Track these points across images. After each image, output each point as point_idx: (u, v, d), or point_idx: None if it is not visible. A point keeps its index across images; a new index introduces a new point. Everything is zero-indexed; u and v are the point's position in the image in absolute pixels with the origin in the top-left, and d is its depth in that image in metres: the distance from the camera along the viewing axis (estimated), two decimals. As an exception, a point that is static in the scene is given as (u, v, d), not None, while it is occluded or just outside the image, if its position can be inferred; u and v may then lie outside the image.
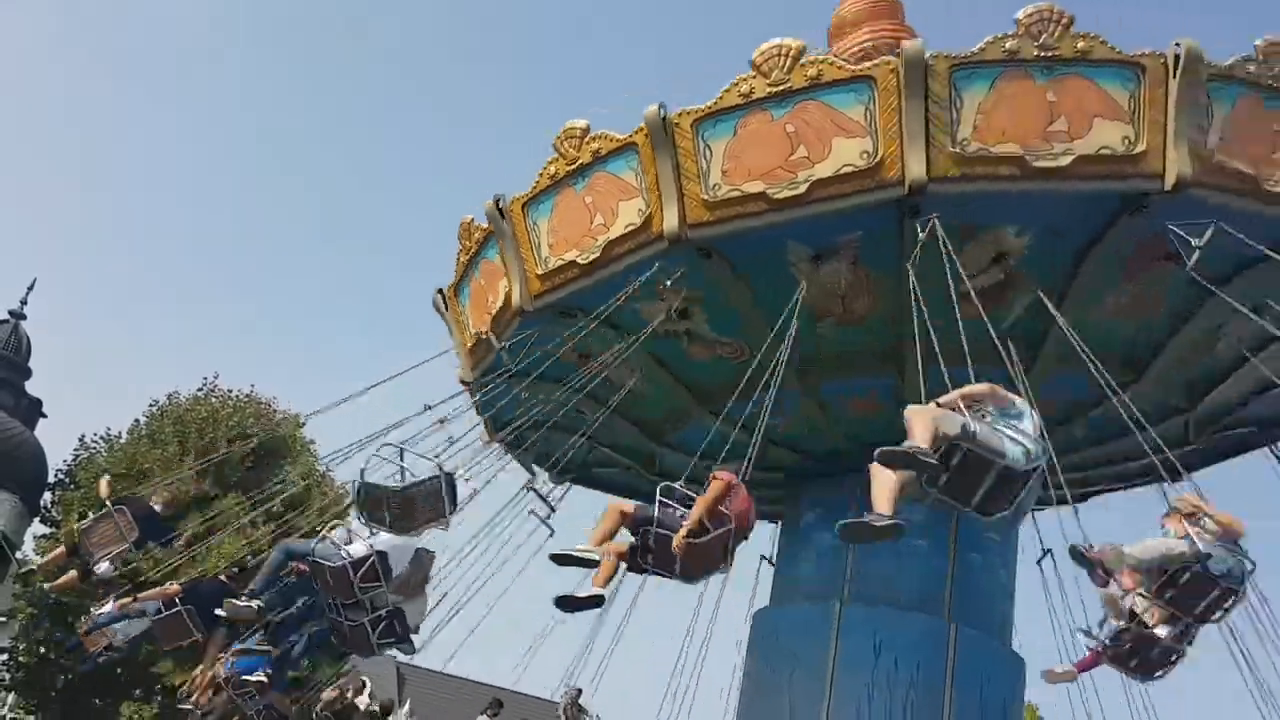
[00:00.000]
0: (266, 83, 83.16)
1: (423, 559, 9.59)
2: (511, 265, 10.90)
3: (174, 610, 10.56)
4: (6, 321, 32.72)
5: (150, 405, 28.95)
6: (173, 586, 10.78)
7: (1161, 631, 7.78)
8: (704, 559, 7.85)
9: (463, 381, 12.68)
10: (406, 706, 46.49)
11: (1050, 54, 8.71)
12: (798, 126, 9.04)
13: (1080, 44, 8.73)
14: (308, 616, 10.47)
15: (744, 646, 12.43)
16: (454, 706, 45.97)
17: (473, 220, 11.66)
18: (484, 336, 11.80)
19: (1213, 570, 7.44)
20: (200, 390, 29.32)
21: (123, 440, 28.66)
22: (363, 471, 8.75)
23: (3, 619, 28.54)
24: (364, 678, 14.73)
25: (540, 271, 10.59)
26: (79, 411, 66.97)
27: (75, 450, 29.15)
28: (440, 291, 12.84)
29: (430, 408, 11.21)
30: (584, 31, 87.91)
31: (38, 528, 29.40)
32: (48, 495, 29.56)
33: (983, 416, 6.87)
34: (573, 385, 11.08)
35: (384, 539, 8.98)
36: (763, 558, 14.65)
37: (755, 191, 9.12)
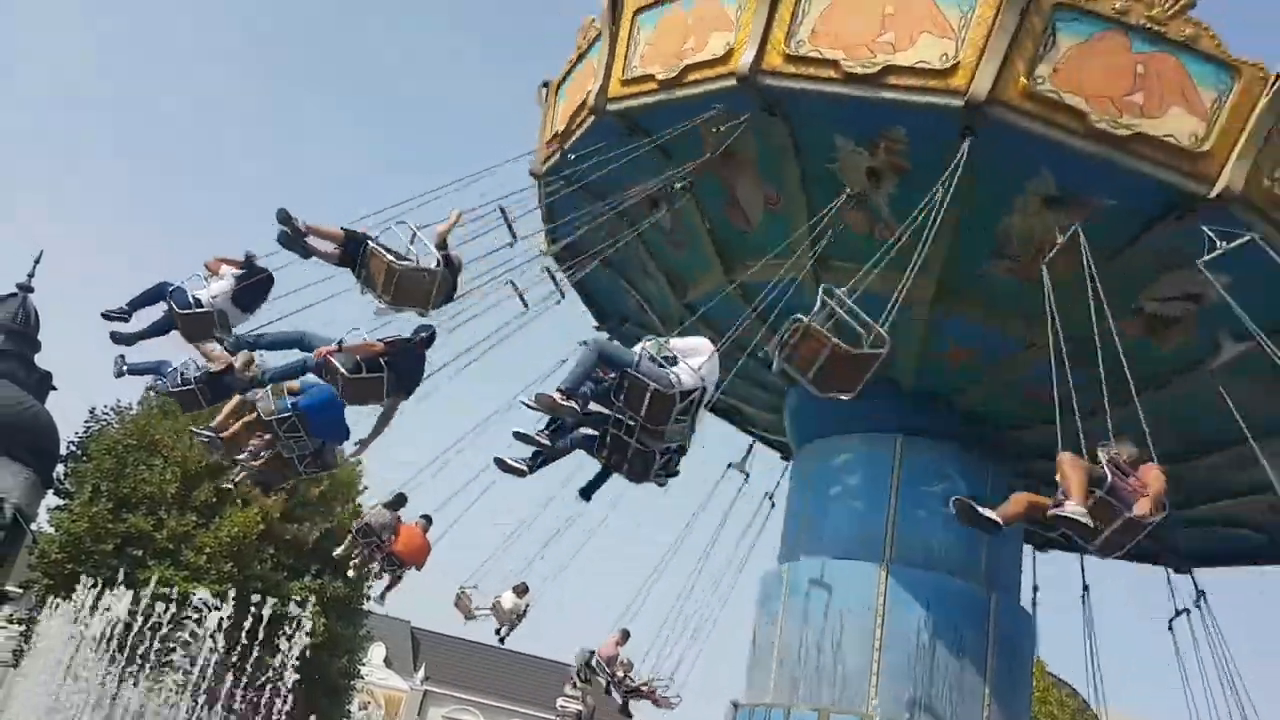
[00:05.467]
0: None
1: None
2: (601, 67, 11.32)
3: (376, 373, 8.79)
4: (15, 295, 32.74)
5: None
6: (377, 345, 8.88)
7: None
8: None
9: (533, 174, 13.24)
10: (421, 670, 48.11)
11: (1157, 27, 8.69)
12: (896, 9, 9.20)
13: (1189, 29, 8.69)
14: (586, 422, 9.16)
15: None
16: (467, 669, 47.41)
17: (593, 20, 12.10)
18: (559, 132, 12.31)
19: None
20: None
21: (134, 411, 29.26)
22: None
23: (19, 591, 29.86)
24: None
25: (623, 78, 11.00)
26: (89, 384, 68.76)
27: (86, 422, 30.05)
28: (545, 84, 13.35)
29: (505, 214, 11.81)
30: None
31: (51, 499, 30.19)
32: (60, 467, 30.33)
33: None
34: (618, 206, 11.65)
35: (707, 372, 8.26)
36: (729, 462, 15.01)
37: (832, 58, 9.34)
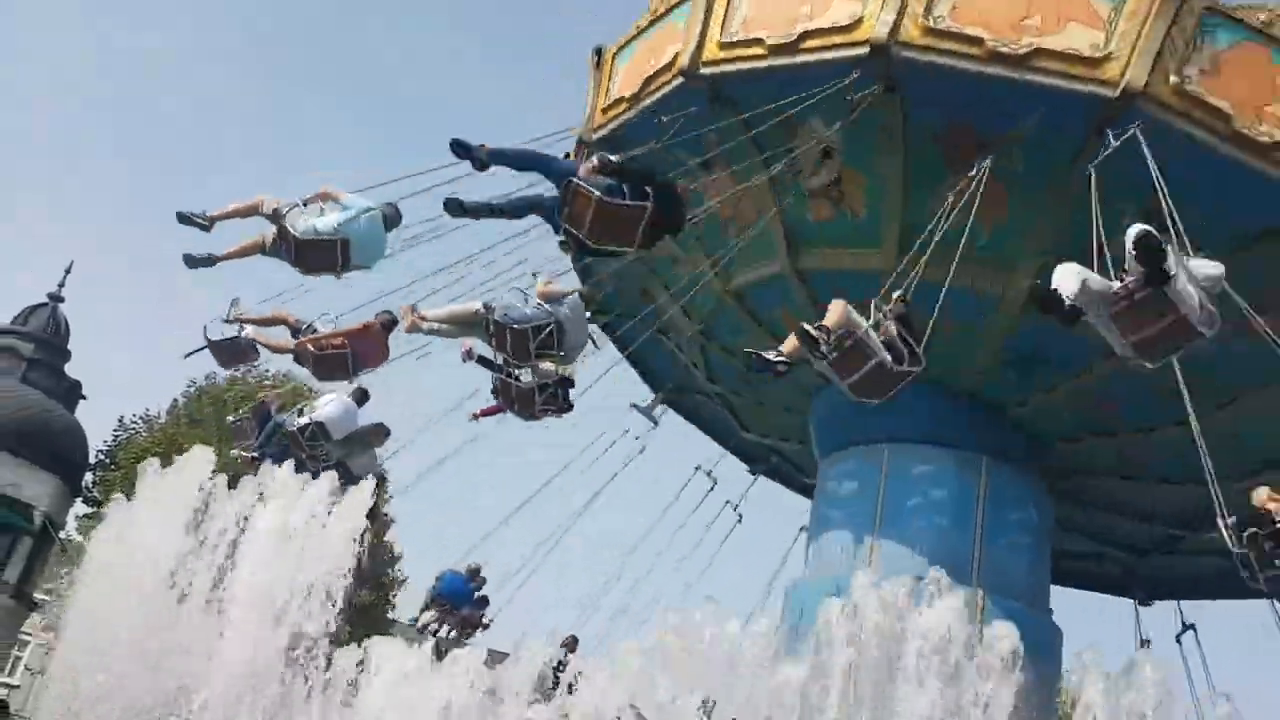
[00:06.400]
0: None
1: (367, 430, 11.97)
2: (694, 30, 10.84)
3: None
4: (45, 305, 32.69)
5: (188, 386, 29.53)
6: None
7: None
8: (334, 368, 10.80)
9: (580, 140, 12.63)
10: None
11: (1300, 41, 8.91)
12: (1040, -9, 9.14)
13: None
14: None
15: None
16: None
17: (674, -18, 11.67)
18: (627, 96, 11.79)
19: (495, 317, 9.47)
20: (237, 370, 29.21)
21: (162, 421, 29.61)
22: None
23: (48, 599, 28.75)
24: None
25: (722, 40, 10.58)
26: (118, 393, 68.11)
27: (115, 431, 30.60)
28: (598, 50, 12.81)
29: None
30: None
31: (79, 508, 30.22)
32: (89, 476, 30.45)
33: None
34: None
35: (325, 413, 11.49)
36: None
37: (974, 35, 9.20)
